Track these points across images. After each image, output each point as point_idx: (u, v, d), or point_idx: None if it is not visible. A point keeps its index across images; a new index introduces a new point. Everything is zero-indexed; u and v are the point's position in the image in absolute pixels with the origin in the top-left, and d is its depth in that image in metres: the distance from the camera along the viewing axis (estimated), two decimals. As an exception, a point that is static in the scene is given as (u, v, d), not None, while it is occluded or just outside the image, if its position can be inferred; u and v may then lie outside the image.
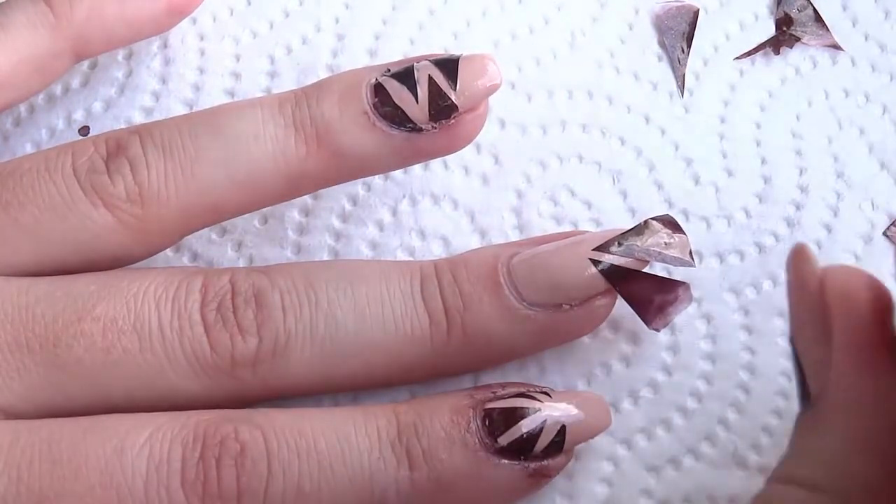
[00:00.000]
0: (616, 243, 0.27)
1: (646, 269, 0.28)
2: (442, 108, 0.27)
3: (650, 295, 0.28)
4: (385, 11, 0.33)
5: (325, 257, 0.30)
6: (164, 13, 0.31)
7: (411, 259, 0.30)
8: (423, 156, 0.29)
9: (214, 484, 0.25)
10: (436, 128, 0.27)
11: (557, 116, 0.32)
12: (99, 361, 0.26)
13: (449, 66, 0.27)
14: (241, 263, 0.30)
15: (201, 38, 0.33)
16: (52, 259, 0.27)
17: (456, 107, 0.27)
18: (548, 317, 0.27)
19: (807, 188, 0.31)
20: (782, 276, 0.30)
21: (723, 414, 0.29)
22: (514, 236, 0.31)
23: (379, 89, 0.27)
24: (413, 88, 0.27)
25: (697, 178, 0.31)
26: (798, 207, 0.31)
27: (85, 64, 0.32)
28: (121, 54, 0.33)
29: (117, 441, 0.25)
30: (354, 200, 0.31)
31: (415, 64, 0.28)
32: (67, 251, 0.27)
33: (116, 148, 0.27)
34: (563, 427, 0.26)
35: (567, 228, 0.31)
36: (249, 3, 0.33)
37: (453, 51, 0.32)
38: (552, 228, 0.31)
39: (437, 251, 0.30)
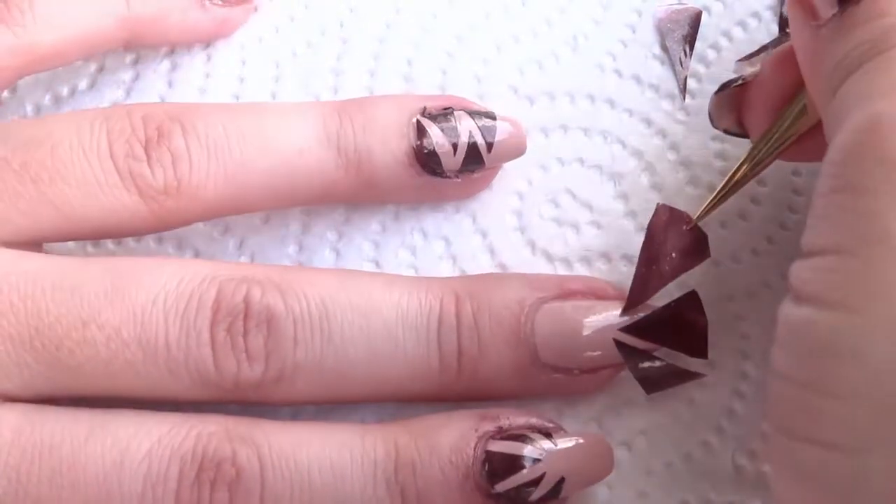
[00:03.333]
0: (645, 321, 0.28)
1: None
2: (472, 165, 0.29)
3: (663, 381, 0.28)
4: (389, 15, 0.33)
5: (327, 256, 0.31)
6: (218, 26, 0.33)
7: (413, 258, 0.31)
8: (440, 198, 0.30)
9: None
10: (458, 177, 0.29)
11: (559, 120, 0.32)
12: (100, 370, 0.26)
13: (488, 126, 0.29)
14: (243, 261, 0.31)
15: (207, 43, 0.33)
16: (69, 232, 0.27)
17: (484, 164, 0.29)
18: (556, 378, 0.28)
19: (802, 191, 0.30)
20: (777, 280, 0.30)
21: (719, 420, 0.28)
22: (515, 238, 0.31)
23: (422, 132, 0.29)
24: (454, 143, 0.29)
25: (697, 181, 0.31)
26: (794, 211, 0.30)
27: (92, 66, 0.33)
28: (128, 58, 0.33)
29: (117, 452, 0.25)
30: (356, 200, 0.31)
31: (454, 112, 0.29)
32: (87, 227, 0.27)
33: (157, 135, 0.27)
34: (562, 479, 0.26)
35: (567, 230, 0.31)
36: (255, 8, 0.34)
37: (455, 53, 0.32)
38: (553, 230, 0.31)
39: (438, 251, 0.31)
